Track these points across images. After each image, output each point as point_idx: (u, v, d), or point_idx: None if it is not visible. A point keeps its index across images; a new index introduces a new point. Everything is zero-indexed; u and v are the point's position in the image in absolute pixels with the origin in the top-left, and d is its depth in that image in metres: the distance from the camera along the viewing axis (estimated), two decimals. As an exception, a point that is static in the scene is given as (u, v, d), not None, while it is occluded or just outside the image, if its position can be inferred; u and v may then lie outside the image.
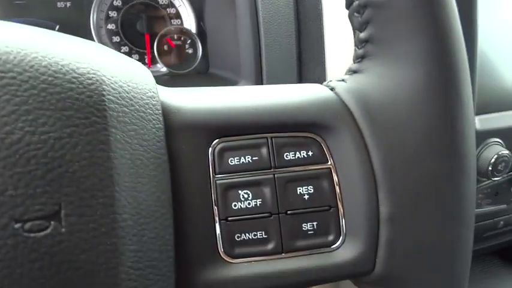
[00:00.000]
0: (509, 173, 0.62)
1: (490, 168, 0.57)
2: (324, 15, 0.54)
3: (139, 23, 0.62)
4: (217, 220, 0.21)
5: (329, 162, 0.22)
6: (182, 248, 0.20)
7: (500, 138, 0.58)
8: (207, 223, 0.21)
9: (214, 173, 0.21)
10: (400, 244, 0.21)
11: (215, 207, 0.21)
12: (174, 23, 0.65)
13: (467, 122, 0.21)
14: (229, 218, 0.21)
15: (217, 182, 0.21)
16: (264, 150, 0.21)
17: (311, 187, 0.21)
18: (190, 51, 0.66)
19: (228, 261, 0.21)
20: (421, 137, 0.20)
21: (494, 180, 0.59)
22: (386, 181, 0.21)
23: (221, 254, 0.21)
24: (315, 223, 0.21)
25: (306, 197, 0.21)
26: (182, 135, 0.21)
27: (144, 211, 0.18)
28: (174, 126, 0.21)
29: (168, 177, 0.19)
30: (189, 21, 0.65)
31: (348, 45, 0.51)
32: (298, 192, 0.21)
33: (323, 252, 0.22)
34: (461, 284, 0.22)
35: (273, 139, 0.22)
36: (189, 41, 0.65)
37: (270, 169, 0.21)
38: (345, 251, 0.21)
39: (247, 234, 0.21)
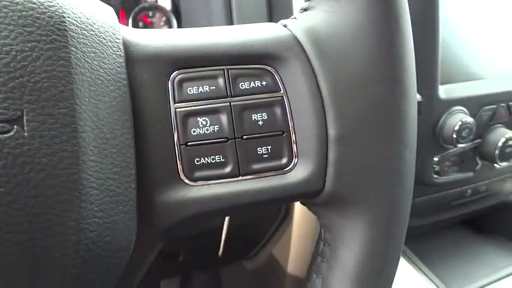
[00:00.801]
0: (474, 141, 0.65)
1: (454, 136, 0.59)
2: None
3: (114, -1, 0.63)
4: (177, 145, 0.22)
5: (281, 91, 0.23)
6: (143, 169, 0.21)
7: (464, 107, 0.61)
8: (168, 148, 0.22)
9: (174, 101, 0.22)
10: (347, 164, 0.23)
11: (175, 133, 0.22)
12: (149, 0, 0.66)
13: (406, 50, 0.23)
14: (189, 143, 0.22)
15: (177, 110, 0.22)
16: (221, 81, 0.23)
17: (265, 114, 0.23)
18: (165, 28, 0.67)
19: (188, 184, 0.22)
20: (364, 64, 0.22)
21: (459, 147, 0.62)
22: (333, 106, 0.22)
23: (181, 177, 0.22)
24: (269, 147, 0.23)
25: (260, 123, 0.23)
26: (143, 66, 0.22)
27: (105, 127, 0.19)
28: (134, 57, 0.22)
29: (128, 100, 0.20)
30: (164, -1, 0.66)
31: None
32: (253, 119, 0.23)
33: (277, 174, 0.23)
34: (404, 203, 0.24)
35: (229, 70, 0.23)
36: (164, 18, 0.66)
37: (227, 97, 0.23)
38: (297, 172, 0.23)
39: (206, 158, 0.22)
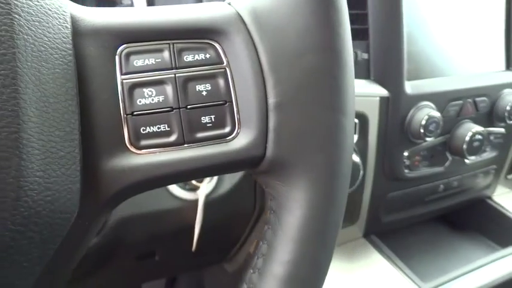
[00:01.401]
0: (443, 136, 0.67)
1: (422, 130, 0.61)
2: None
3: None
4: (123, 114, 0.23)
5: (224, 64, 0.25)
6: (89, 136, 0.22)
7: (431, 102, 0.63)
8: (114, 117, 0.23)
9: (121, 73, 0.23)
10: (286, 129, 0.24)
11: (121, 104, 0.23)
12: (124, 2, 0.67)
13: (340, 21, 0.24)
14: (135, 113, 0.23)
15: (124, 81, 0.23)
16: (166, 54, 0.24)
17: (208, 85, 0.24)
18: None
19: (134, 152, 0.23)
20: (300, 35, 0.24)
21: (428, 141, 0.64)
22: (272, 76, 0.24)
23: (127, 145, 0.23)
24: (212, 116, 0.24)
25: (204, 93, 0.24)
26: (90, 39, 0.23)
27: (48, 91, 0.20)
28: (82, 31, 0.23)
29: (73, 69, 0.21)
30: None
31: None
32: (197, 89, 0.24)
33: (221, 143, 0.24)
34: (342, 166, 0.25)
35: (174, 44, 0.24)
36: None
37: (172, 69, 0.24)
38: (239, 140, 0.24)
39: (151, 127, 0.23)
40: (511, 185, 0.89)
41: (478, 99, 0.68)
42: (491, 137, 0.74)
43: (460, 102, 0.66)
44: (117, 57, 0.24)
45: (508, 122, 0.70)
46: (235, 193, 0.62)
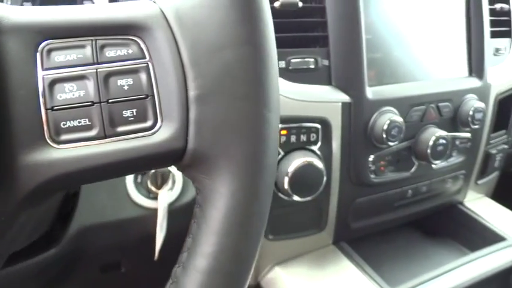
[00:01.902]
0: (410, 140, 0.68)
1: (384, 135, 0.62)
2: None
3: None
4: (44, 109, 0.23)
5: (147, 58, 0.25)
6: (7, 131, 0.22)
7: (394, 107, 0.64)
8: (34, 112, 0.23)
9: (42, 69, 0.24)
10: (206, 122, 0.24)
11: (41, 99, 0.23)
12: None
13: (261, 16, 0.25)
14: (55, 107, 0.23)
15: (44, 76, 0.23)
16: (88, 49, 0.24)
17: (130, 79, 0.24)
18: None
19: (54, 146, 0.23)
20: (220, 29, 0.24)
21: (391, 146, 0.64)
22: (192, 69, 0.24)
23: (47, 140, 0.23)
24: (134, 110, 0.24)
25: (126, 88, 0.24)
26: (12, 36, 0.23)
27: None
28: (3, 28, 0.23)
29: None
30: None
31: None
32: (119, 84, 0.24)
33: (142, 136, 0.24)
34: (266, 159, 0.25)
35: (96, 40, 0.25)
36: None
37: (93, 64, 0.24)
38: (161, 133, 0.24)
39: (72, 122, 0.23)
40: (482, 190, 0.89)
41: (441, 104, 0.69)
42: (457, 142, 0.75)
43: (423, 107, 0.67)
44: (38, 54, 0.24)
45: (472, 126, 0.72)
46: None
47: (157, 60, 0.25)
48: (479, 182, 0.86)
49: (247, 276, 0.26)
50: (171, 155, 0.25)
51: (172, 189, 0.60)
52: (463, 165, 0.79)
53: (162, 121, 0.25)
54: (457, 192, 0.83)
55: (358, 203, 0.69)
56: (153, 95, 0.25)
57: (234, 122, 0.24)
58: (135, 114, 0.24)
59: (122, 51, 0.25)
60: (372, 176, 0.67)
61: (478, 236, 0.80)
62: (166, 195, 0.58)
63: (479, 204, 0.86)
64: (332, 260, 0.69)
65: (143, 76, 0.25)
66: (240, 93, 0.24)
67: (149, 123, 0.25)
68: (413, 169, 0.70)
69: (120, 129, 0.24)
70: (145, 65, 0.25)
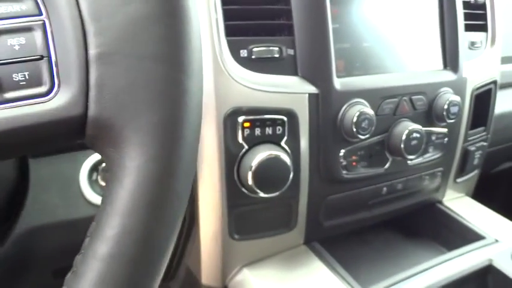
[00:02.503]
0: (383, 135, 0.65)
1: (354, 128, 0.59)
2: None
3: None
4: None
5: (43, 15, 0.22)
6: None
7: (364, 99, 0.61)
8: None
9: None
10: (109, 84, 0.21)
11: None
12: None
13: None
14: None
15: None
16: None
17: (23, 38, 0.21)
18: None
19: None
20: None
21: (362, 139, 0.62)
22: (92, 25, 0.21)
23: None
24: (26, 73, 0.21)
25: (17, 47, 0.21)
26: None
27: None
28: None
29: None
30: None
31: None
32: (9, 44, 0.21)
33: (37, 103, 0.21)
34: (182, 130, 0.22)
35: None
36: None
37: None
38: (58, 98, 0.21)
39: None
40: (461, 189, 0.87)
41: (414, 97, 0.66)
42: (433, 137, 0.72)
43: (395, 100, 0.65)
44: None
45: (448, 121, 0.69)
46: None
47: (54, 16, 0.22)
48: (459, 180, 0.84)
49: (160, 265, 0.23)
50: (70, 124, 0.22)
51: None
52: (440, 162, 0.76)
53: (59, 85, 0.22)
54: (436, 191, 0.80)
55: (330, 200, 0.66)
56: (49, 56, 0.21)
57: (142, 85, 0.21)
58: (27, 77, 0.21)
59: (14, 7, 0.22)
60: (344, 171, 0.64)
61: (458, 236, 0.77)
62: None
63: (459, 203, 0.84)
64: (303, 260, 0.65)
65: (38, 35, 0.22)
66: (149, 52, 0.21)
67: (44, 88, 0.21)
68: (387, 165, 0.68)
69: (10, 95, 0.21)
70: (40, 22, 0.22)
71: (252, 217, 0.61)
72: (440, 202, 0.83)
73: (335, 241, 0.71)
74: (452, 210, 0.81)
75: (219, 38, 0.53)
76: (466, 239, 0.73)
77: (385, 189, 0.71)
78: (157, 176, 0.22)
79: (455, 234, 0.78)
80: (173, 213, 0.23)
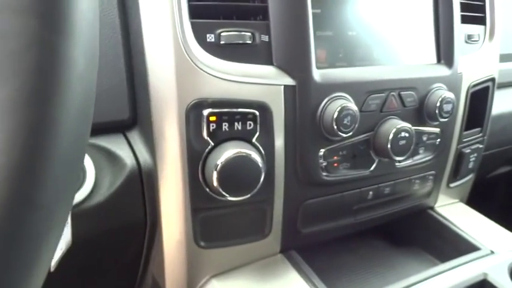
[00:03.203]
0: (368, 133, 0.59)
1: (334, 125, 0.53)
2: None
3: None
4: None
5: None
6: None
7: (347, 93, 0.55)
8: None
9: None
10: None
11: None
12: None
13: None
14: None
15: None
16: None
17: None
18: None
19: None
20: None
21: (344, 137, 0.55)
22: None
23: None
24: None
25: None
26: None
27: None
28: None
29: None
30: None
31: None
32: None
33: None
34: (50, 104, 0.16)
35: None
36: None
37: None
38: None
39: None
40: (455, 194, 0.81)
41: (403, 93, 0.60)
42: (424, 138, 0.66)
43: (383, 95, 0.58)
44: None
45: (440, 120, 0.63)
46: (116, 201, 0.52)
47: None
48: (452, 185, 0.78)
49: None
50: None
51: (82, 186, 0.50)
52: (432, 165, 0.70)
53: None
54: (427, 196, 0.74)
55: (309, 204, 0.59)
56: None
57: None
58: None
59: None
60: (324, 173, 0.57)
61: (450, 245, 0.71)
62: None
63: (452, 210, 0.78)
64: (278, 271, 0.59)
65: None
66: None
67: None
68: (373, 167, 0.62)
69: None
70: None
71: (221, 222, 0.55)
72: (432, 208, 0.77)
73: (316, 249, 0.65)
74: (444, 218, 0.75)
75: (181, 20, 0.46)
76: (459, 250, 0.67)
77: (371, 193, 0.65)
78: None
79: (447, 244, 0.71)
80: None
